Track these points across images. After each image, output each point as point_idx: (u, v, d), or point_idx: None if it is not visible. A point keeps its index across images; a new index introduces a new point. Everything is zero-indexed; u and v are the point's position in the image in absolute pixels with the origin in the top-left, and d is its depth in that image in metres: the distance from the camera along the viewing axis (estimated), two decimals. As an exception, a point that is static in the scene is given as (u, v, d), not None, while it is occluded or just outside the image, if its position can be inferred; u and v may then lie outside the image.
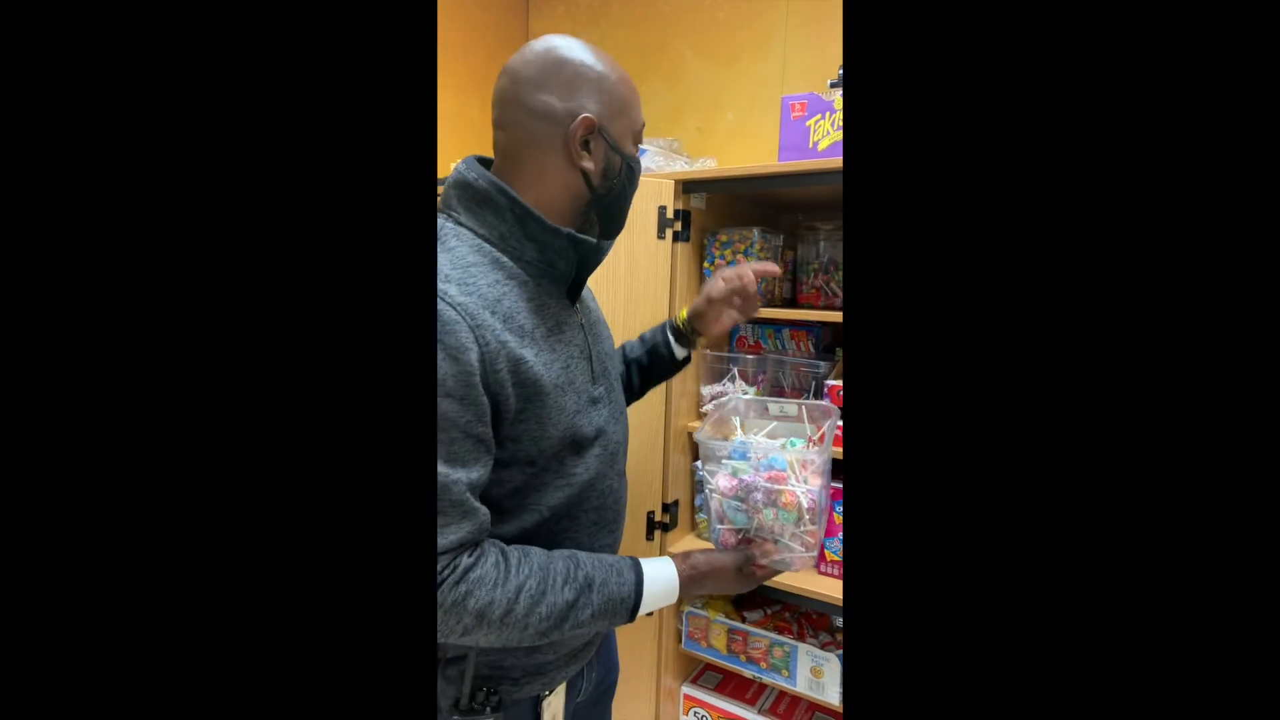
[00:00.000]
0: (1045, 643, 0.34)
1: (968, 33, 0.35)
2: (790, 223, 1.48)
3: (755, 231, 1.26)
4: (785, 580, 1.16)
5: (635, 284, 1.23)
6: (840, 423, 1.01)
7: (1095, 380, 0.33)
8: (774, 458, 0.76)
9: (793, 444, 0.81)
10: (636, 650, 1.33)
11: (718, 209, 1.35)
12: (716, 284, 0.88)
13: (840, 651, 1.20)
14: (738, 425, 0.86)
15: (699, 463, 1.38)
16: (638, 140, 0.72)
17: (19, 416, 0.32)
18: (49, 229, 0.33)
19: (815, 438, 0.83)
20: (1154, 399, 0.32)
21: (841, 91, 1.10)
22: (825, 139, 1.10)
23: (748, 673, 1.29)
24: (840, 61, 1.21)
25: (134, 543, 0.34)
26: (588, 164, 0.66)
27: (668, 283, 1.24)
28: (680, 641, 1.37)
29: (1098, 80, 0.33)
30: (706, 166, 1.37)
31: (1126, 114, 0.32)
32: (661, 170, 1.31)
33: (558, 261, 0.68)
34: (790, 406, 0.86)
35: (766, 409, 0.87)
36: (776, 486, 0.74)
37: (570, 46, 0.66)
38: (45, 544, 0.33)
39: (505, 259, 0.65)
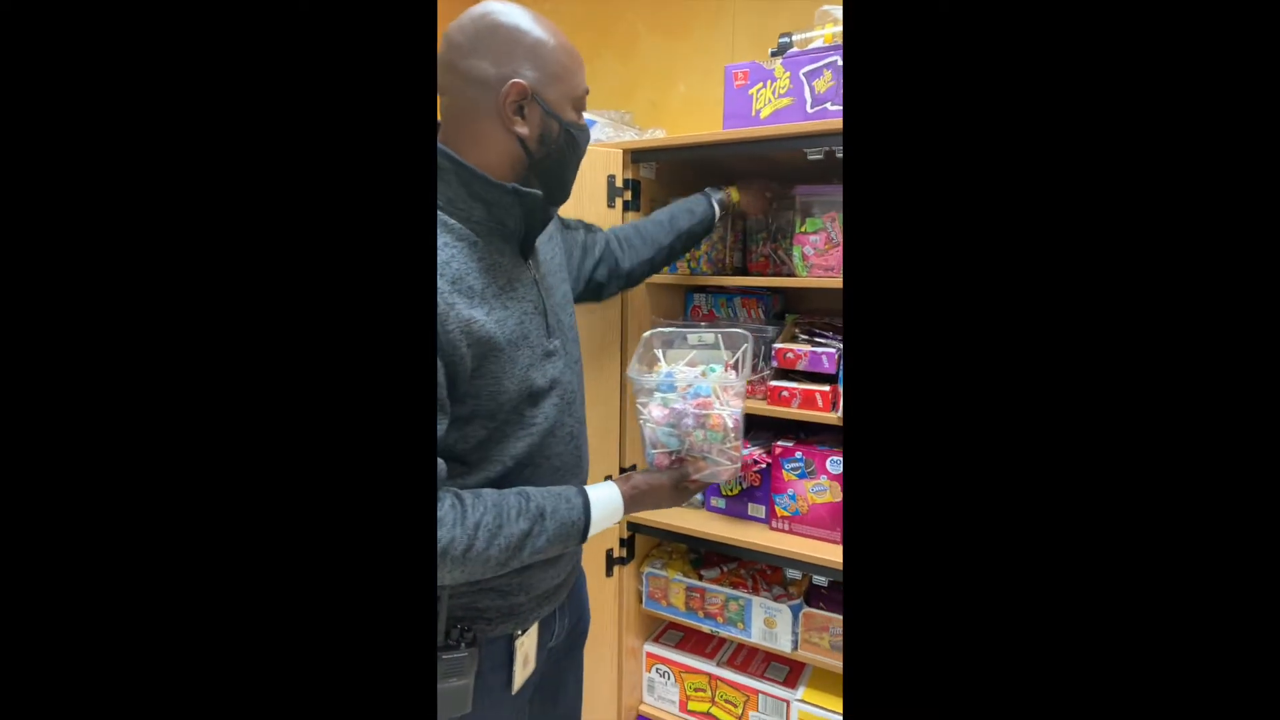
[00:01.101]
0: (1046, 644, 0.34)
1: (966, 28, 0.35)
2: (740, 193, 1.50)
3: (704, 200, 1.29)
4: (741, 537, 1.21)
5: (587, 253, 1.25)
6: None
7: (1100, 406, 0.33)
8: (699, 386, 0.83)
9: (712, 370, 0.88)
10: (599, 612, 1.36)
11: (667, 179, 1.37)
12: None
13: (792, 603, 1.25)
14: (661, 356, 0.92)
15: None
16: (579, 107, 0.73)
17: (18, 415, 0.33)
18: (46, 219, 0.33)
19: (731, 362, 0.90)
20: (1155, 381, 0.32)
21: (782, 60, 1.13)
22: (767, 107, 1.13)
23: (706, 627, 1.34)
24: (780, 31, 1.23)
25: (129, 520, 0.35)
26: (522, 129, 0.67)
27: (619, 252, 1.26)
28: (641, 602, 1.41)
29: (1094, 70, 0.33)
30: (656, 137, 1.38)
31: (1124, 102, 0.33)
32: (612, 140, 1.33)
33: (506, 219, 0.69)
34: (708, 335, 0.93)
35: (686, 338, 0.93)
36: (704, 411, 0.82)
37: (507, 11, 0.66)
38: (32, 519, 0.33)
39: (453, 221, 0.67)
